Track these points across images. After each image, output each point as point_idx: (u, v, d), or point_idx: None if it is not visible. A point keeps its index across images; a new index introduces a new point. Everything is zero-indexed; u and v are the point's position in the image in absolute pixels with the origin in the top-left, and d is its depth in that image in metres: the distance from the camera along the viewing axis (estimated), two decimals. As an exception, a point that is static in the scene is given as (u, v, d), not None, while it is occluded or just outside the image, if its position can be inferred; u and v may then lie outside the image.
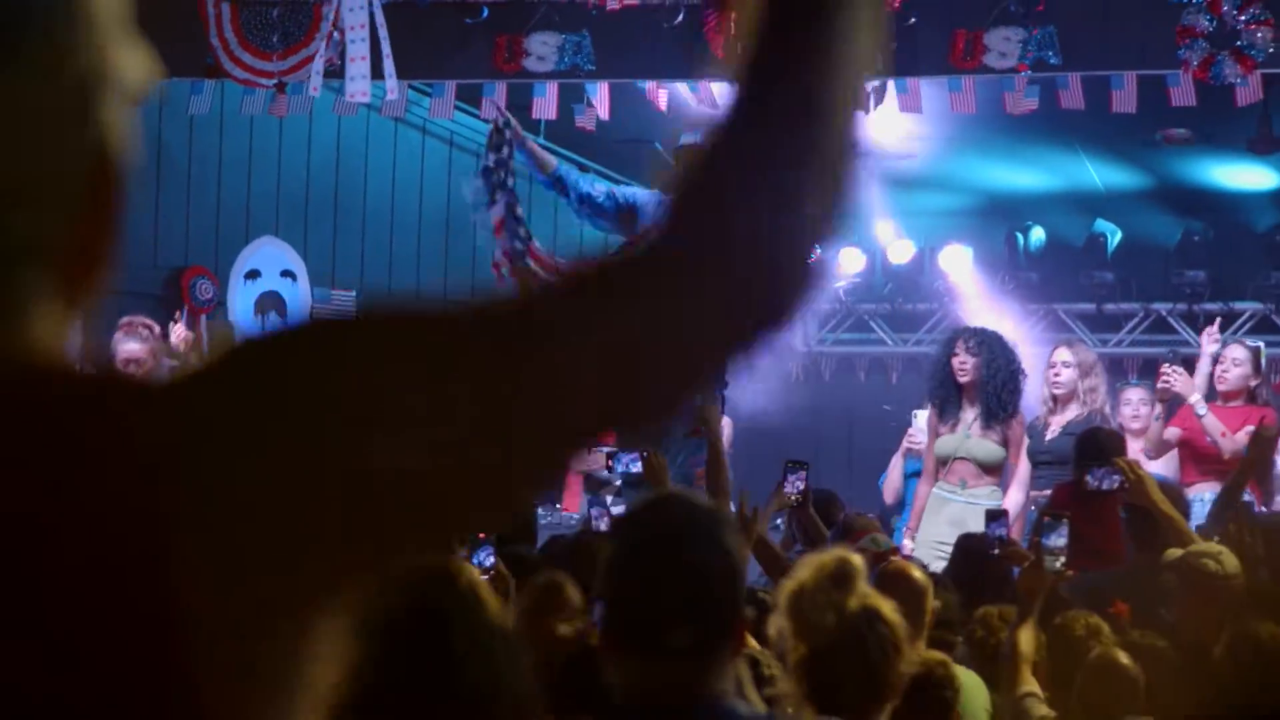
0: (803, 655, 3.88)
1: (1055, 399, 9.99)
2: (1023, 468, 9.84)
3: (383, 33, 10.69)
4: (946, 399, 9.96)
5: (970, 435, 9.81)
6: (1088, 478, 7.47)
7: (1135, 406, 10.26)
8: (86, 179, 1.11)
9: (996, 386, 9.81)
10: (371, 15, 10.71)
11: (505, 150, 10.36)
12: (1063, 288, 13.95)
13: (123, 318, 9.53)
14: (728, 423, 11.15)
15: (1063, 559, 5.55)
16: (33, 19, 1.10)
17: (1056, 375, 10.01)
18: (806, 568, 4.01)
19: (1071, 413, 9.92)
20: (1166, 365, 9.92)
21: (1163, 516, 6.66)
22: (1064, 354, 10.12)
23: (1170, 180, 13.62)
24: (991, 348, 9.95)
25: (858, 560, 4.04)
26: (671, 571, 3.16)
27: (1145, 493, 6.76)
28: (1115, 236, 14.10)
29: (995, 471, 9.81)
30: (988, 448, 9.77)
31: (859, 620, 3.89)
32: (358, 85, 10.79)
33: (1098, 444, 8.26)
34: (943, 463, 9.89)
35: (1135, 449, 9.27)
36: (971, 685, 5.12)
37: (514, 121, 10.38)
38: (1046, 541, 5.60)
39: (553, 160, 10.30)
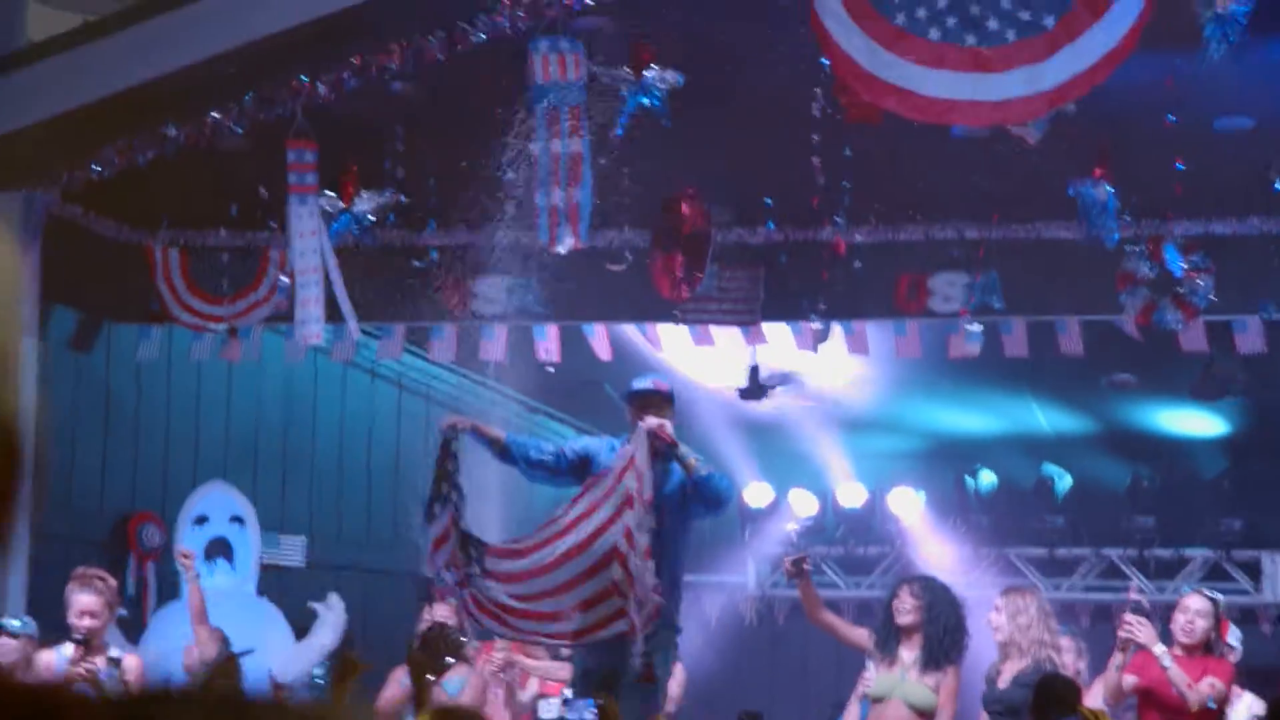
0: None
1: (1000, 646, 10.01)
2: None
3: (335, 274, 10.69)
4: (887, 638, 10.03)
5: (907, 678, 9.85)
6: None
7: (1063, 655, 10.25)
8: None
9: (936, 633, 9.86)
10: (324, 259, 10.72)
11: (450, 465, 10.02)
12: (1014, 531, 13.94)
13: (77, 569, 9.47)
14: (679, 669, 11.06)
15: None
16: None
17: (991, 623, 10.05)
18: None
19: (1018, 661, 9.90)
20: (1129, 614, 9.89)
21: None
22: (998, 601, 10.19)
23: (1117, 425, 13.68)
24: (935, 595, 10.02)
25: None
26: None
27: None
28: (1064, 480, 14.12)
29: (927, 718, 9.79)
30: (922, 692, 9.80)
31: None
32: (311, 328, 10.71)
33: (1055, 693, 8.22)
34: (878, 701, 9.93)
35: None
36: None
37: (459, 426, 10.07)
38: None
39: (501, 434, 10.13)
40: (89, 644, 9.23)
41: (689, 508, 9.50)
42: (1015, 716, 9.51)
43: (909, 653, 9.96)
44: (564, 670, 10.96)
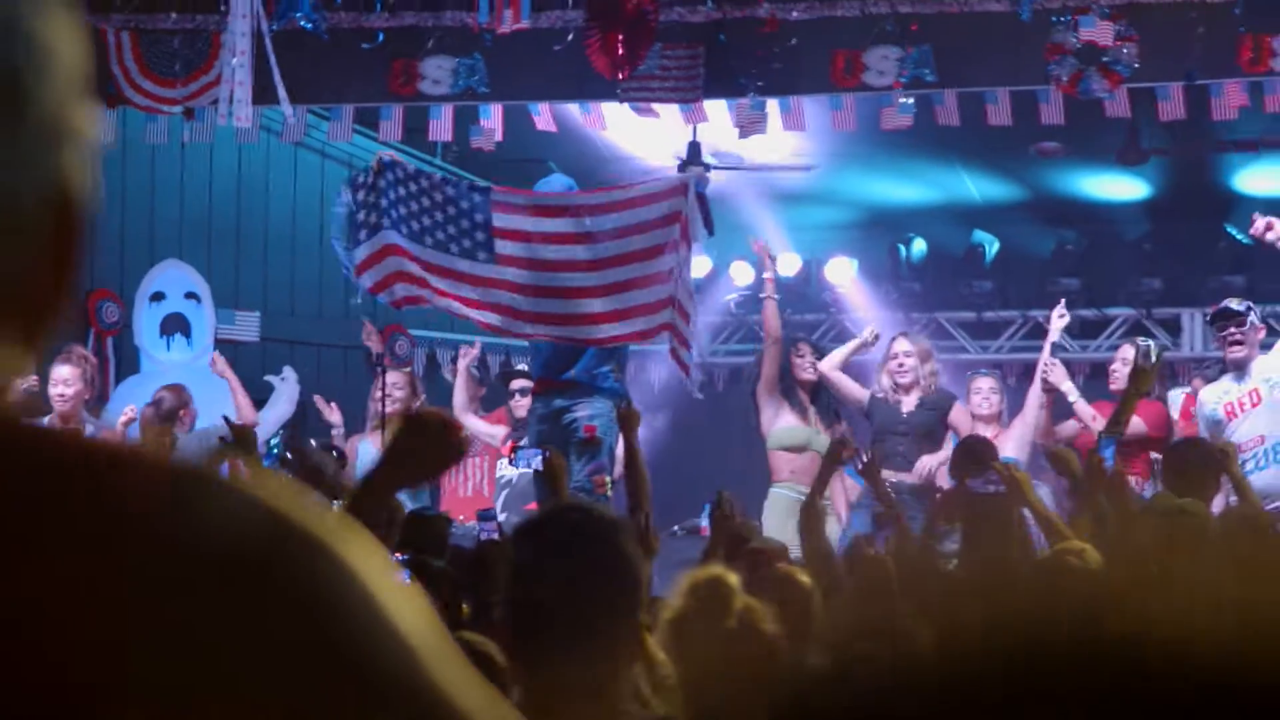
0: (684, 678, 3.86)
1: (898, 386, 10.59)
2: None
3: (273, 60, 10.88)
4: (791, 392, 10.77)
5: (820, 432, 10.48)
6: (970, 484, 7.91)
7: (985, 394, 10.83)
8: (47, 221, 1.09)
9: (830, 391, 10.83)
10: (262, 41, 10.88)
11: (376, 194, 10.27)
12: (944, 297, 14.42)
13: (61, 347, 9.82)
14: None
15: (954, 564, 5.78)
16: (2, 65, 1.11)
17: (900, 365, 10.62)
18: (681, 591, 4.05)
19: (915, 393, 10.58)
20: (1047, 359, 10.58)
21: (1039, 516, 7.04)
22: (904, 344, 10.76)
23: (1044, 192, 14.08)
24: (822, 353, 10.89)
25: (732, 578, 4.07)
26: (568, 576, 3.26)
27: (1022, 494, 7.14)
28: (993, 246, 14.56)
29: None
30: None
31: (737, 638, 3.91)
32: (234, 109, 10.93)
33: (975, 451, 8.77)
34: (793, 451, 10.55)
35: (984, 431, 10.12)
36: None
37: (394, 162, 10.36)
38: (942, 548, 5.82)
39: None
40: (65, 416, 9.59)
41: None
42: (919, 441, 10.19)
43: (812, 406, 10.68)
44: (500, 431, 11.46)
